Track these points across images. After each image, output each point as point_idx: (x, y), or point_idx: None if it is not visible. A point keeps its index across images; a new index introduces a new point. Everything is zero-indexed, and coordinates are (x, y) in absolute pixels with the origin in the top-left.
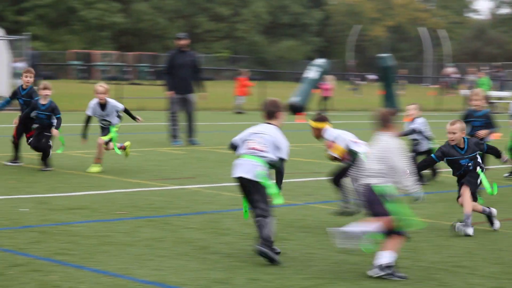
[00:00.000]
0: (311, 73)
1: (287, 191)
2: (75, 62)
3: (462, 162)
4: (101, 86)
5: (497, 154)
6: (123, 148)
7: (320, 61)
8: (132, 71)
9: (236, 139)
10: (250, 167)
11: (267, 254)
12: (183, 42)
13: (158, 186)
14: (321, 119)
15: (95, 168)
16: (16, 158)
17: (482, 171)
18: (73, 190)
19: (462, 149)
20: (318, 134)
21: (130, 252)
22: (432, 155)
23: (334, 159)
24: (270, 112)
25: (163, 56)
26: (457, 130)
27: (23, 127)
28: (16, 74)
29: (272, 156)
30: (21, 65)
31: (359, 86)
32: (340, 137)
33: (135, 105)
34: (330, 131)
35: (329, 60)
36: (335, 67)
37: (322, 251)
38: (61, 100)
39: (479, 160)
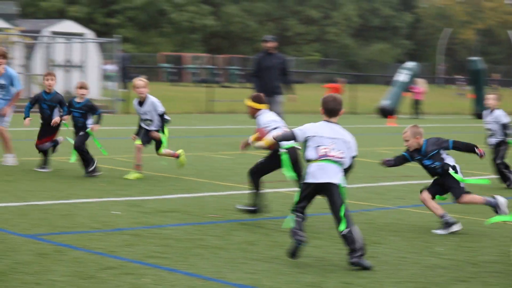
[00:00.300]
0: (402, 76)
1: (378, 195)
2: (166, 65)
3: (425, 163)
4: (140, 80)
5: (470, 149)
6: (175, 156)
7: (410, 64)
8: (222, 73)
9: (299, 135)
10: (333, 173)
11: (363, 264)
12: (270, 44)
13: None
14: (258, 99)
15: (134, 175)
16: (45, 164)
17: (454, 171)
18: (165, 193)
19: (420, 150)
20: (253, 113)
21: (223, 256)
22: (404, 153)
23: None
24: (335, 110)
25: (252, 59)
26: (409, 137)
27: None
28: (107, 77)
29: (348, 160)
30: (111, 67)
31: (464, 91)
32: (273, 123)
33: (226, 108)
34: (265, 116)
35: (419, 63)
36: (425, 70)
37: (414, 255)
38: None
39: (448, 161)
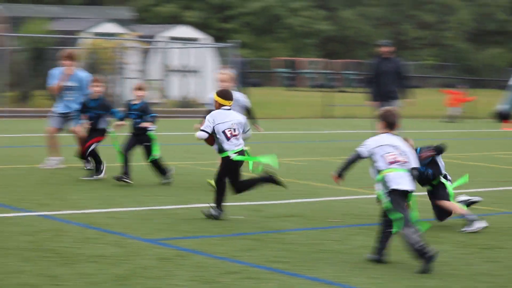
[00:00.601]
0: None
1: (498, 199)
2: (282, 70)
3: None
4: (224, 73)
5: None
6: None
7: None
8: (339, 78)
9: (364, 151)
10: (409, 180)
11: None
12: (385, 49)
13: (369, 193)
14: (224, 95)
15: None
16: (125, 173)
17: (447, 179)
18: (286, 198)
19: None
20: (218, 108)
21: (345, 260)
22: None
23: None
24: (395, 123)
25: (368, 64)
26: None
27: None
28: None
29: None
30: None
31: None
32: (217, 120)
33: (344, 113)
34: (214, 113)
35: None
36: None
37: None
38: (268, 107)
39: (442, 168)
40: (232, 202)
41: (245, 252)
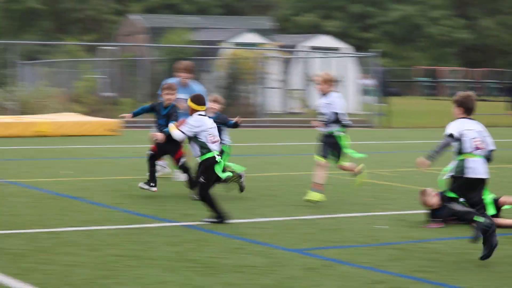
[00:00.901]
0: None
1: None
2: (422, 79)
3: None
4: (318, 75)
5: None
6: (354, 172)
7: None
8: (480, 87)
9: (455, 132)
10: (486, 168)
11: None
12: None
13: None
14: (197, 100)
15: (314, 196)
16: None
17: None
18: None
19: None
20: (192, 113)
21: (492, 270)
22: None
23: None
24: (473, 108)
25: (508, 72)
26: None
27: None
28: (365, 91)
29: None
30: (369, 82)
31: None
32: (199, 127)
33: (485, 122)
34: (195, 118)
35: None
36: None
37: None
38: (409, 116)
39: None
40: (374, 211)
41: (390, 262)
